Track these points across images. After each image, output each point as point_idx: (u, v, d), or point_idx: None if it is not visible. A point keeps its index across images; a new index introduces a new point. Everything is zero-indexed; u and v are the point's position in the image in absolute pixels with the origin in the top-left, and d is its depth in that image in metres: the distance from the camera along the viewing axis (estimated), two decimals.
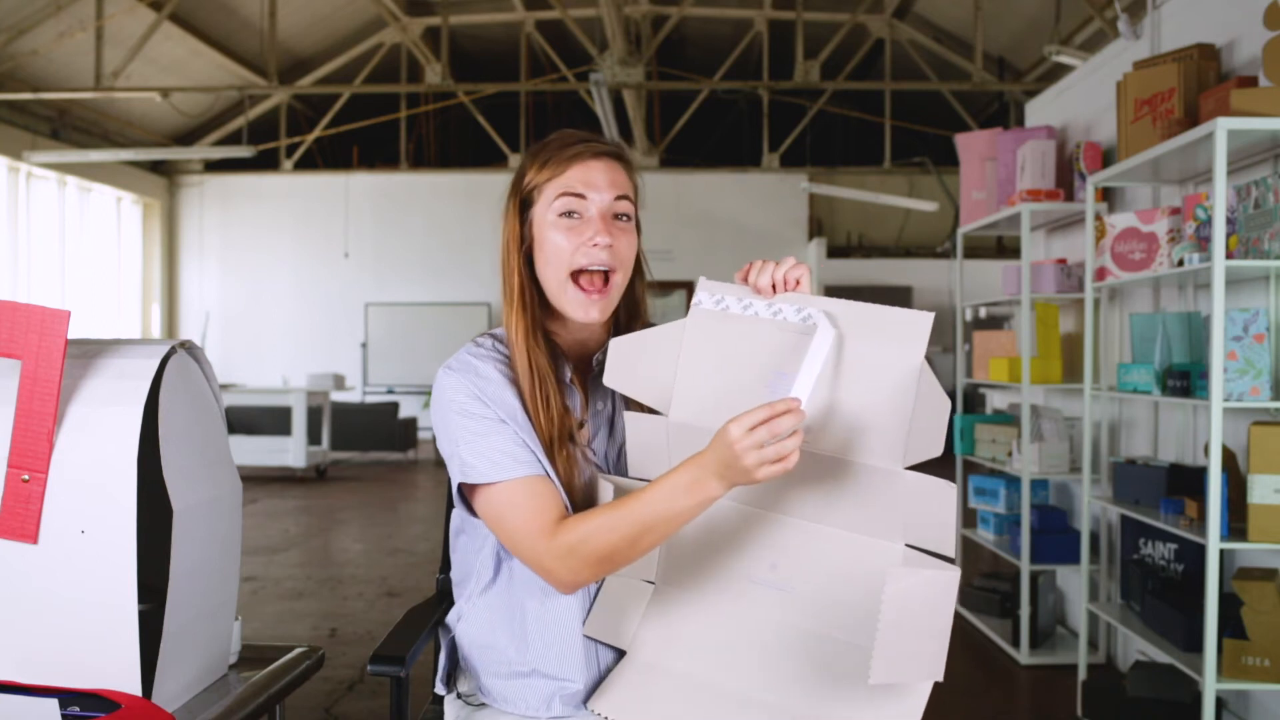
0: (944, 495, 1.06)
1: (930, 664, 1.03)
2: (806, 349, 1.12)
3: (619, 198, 1.27)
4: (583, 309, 1.26)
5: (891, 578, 1.03)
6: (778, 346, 1.16)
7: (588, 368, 1.34)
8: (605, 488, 1.23)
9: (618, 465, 1.32)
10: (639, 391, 1.23)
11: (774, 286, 1.18)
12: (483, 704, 1.32)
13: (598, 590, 1.29)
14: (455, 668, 1.38)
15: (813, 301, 1.16)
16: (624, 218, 1.28)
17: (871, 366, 1.11)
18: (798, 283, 1.18)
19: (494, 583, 1.31)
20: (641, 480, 1.24)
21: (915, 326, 1.10)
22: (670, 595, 1.23)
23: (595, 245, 1.24)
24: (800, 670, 1.14)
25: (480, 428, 1.22)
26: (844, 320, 1.13)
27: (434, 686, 1.39)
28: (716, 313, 1.21)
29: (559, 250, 1.25)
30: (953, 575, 1.04)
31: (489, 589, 1.31)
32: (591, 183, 1.25)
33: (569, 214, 1.25)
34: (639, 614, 1.24)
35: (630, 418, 1.23)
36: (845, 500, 1.12)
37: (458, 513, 1.34)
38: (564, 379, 1.29)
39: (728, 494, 1.14)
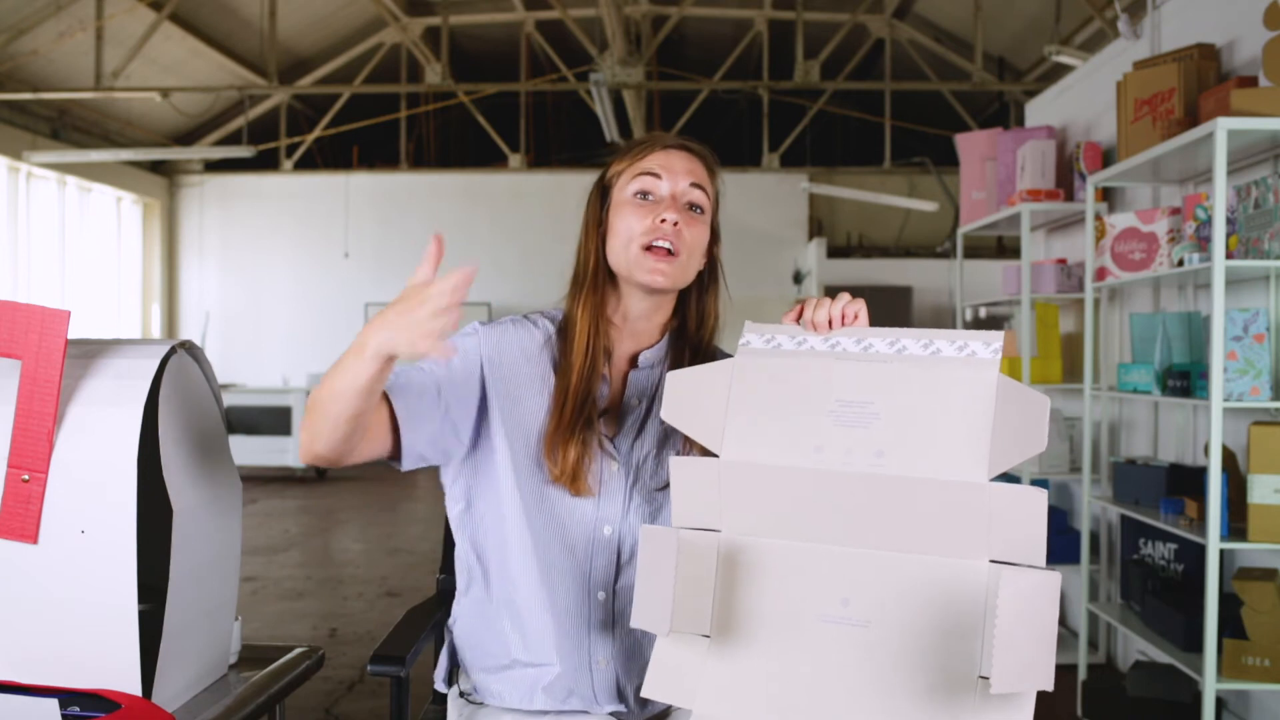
0: (1035, 503, 1.04)
1: (1043, 671, 1.01)
2: (870, 376, 1.12)
3: (693, 184, 1.30)
4: (648, 273, 1.28)
5: (1005, 581, 1.01)
6: (838, 376, 1.14)
7: (633, 363, 1.35)
8: (646, 532, 1.16)
9: (642, 468, 1.32)
10: (693, 429, 1.19)
11: (830, 322, 1.16)
12: (482, 702, 1.34)
13: (612, 613, 1.29)
14: (455, 667, 1.41)
15: (873, 332, 1.15)
16: (697, 209, 1.31)
17: (945, 383, 1.10)
18: (855, 317, 1.17)
19: (474, 581, 1.35)
20: (695, 529, 1.16)
21: (986, 341, 1.11)
22: (731, 646, 1.17)
23: (664, 221, 1.27)
24: (894, 705, 1.09)
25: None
26: (911, 343, 1.13)
27: (434, 685, 1.43)
28: (768, 350, 1.19)
29: (629, 226, 1.29)
30: (1055, 578, 1.02)
31: (470, 588, 1.35)
32: (668, 166, 1.30)
33: (643, 194, 1.29)
34: (698, 669, 1.17)
35: (676, 462, 1.17)
36: (923, 522, 1.09)
37: (452, 514, 1.38)
38: (601, 368, 1.32)
39: (785, 531, 1.12)
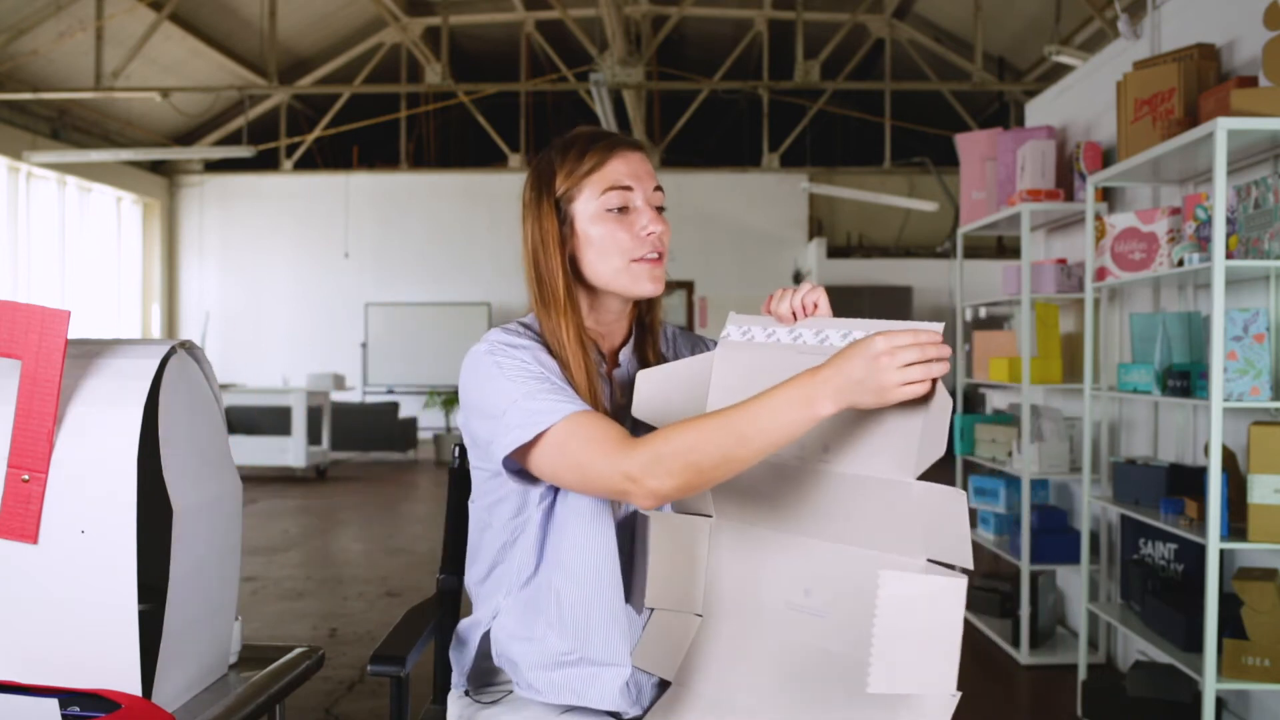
0: (955, 503, 1.05)
1: (935, 675, 1.01)
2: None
3: (656, 188, 1.32)
4: (649, 281, 1.30)
5: (885, 583, 1.01)
6: (795, 369, 1.14)
7: (614, 361, 1.37)
8: (654, 517, 1.25)
9: None
10: (666, 425, 1.22)
11: (794, 313, 1.20)
12: (495, 701, 1.31)
13: (648, 615, 1.29)
14: (480, 668, 1.35)
15: (830, 323, 1.18)
16: (663, 209, 1.33)
17: None
18: (815, 305, 1.20)
19: (536, 574, 1.27)
20: (689, 514, 1.25)
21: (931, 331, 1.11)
22: (716, 626, 1.22)
23: (650, 234, 1.29)
24: (830, 693, 1.12)
25: (525, 383, 1.20)
26: (860, 334, 1.15)
27: (454, 688, 1.37)
28: (742, 343, 1.23)
29: (619, 242, 1.28)
30: (957, 582, 1.01)
31: (531, 581, 1.27)
32: (635, 174, 1.29)
33: (621, 208, 1.29)
34: (683, 645, 1.23)
35: None
36: (868, 518, 1.11)
37: (483, 507, 1.32)
38: (601, 376, 1.32)
39: (760, 520, 1.15)
